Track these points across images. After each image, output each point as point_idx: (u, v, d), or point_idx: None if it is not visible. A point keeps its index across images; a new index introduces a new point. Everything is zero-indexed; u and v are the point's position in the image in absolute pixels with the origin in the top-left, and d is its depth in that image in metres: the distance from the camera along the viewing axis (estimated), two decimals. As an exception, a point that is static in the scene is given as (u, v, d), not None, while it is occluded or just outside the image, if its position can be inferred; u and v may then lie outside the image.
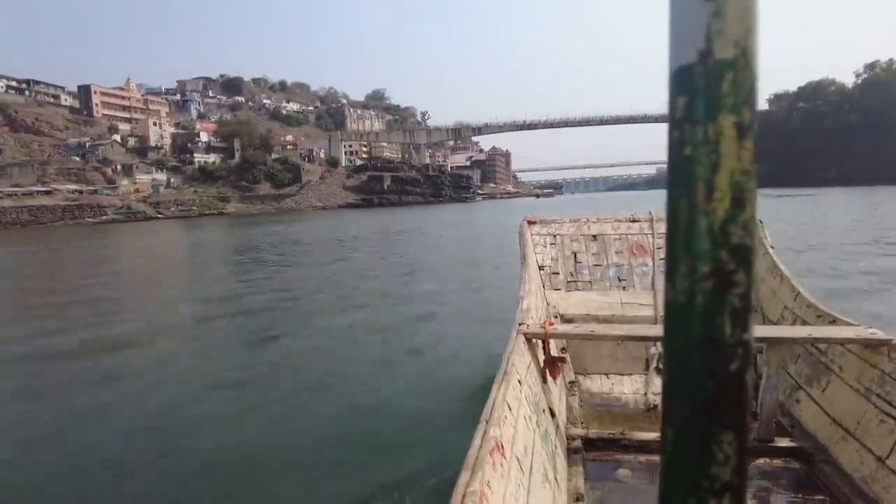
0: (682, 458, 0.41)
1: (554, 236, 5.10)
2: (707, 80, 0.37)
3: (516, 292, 3.87)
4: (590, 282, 4.86)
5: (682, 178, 0.39)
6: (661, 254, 5.18)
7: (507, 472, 1.68)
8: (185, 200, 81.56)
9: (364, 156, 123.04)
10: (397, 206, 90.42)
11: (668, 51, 0.39)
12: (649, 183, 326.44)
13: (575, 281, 4.89)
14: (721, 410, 0.39)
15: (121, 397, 5.59)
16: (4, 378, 6.47)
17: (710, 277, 0.39)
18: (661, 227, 4.62)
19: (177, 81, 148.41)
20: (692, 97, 0.38)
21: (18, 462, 4.35)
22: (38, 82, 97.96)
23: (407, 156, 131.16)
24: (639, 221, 5.04)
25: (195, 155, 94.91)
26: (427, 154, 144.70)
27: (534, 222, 5.19)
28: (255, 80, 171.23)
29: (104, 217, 68.70)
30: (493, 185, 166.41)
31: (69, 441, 4.64)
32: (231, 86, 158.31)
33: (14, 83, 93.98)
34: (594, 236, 5.05)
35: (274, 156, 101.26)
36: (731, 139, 0.37)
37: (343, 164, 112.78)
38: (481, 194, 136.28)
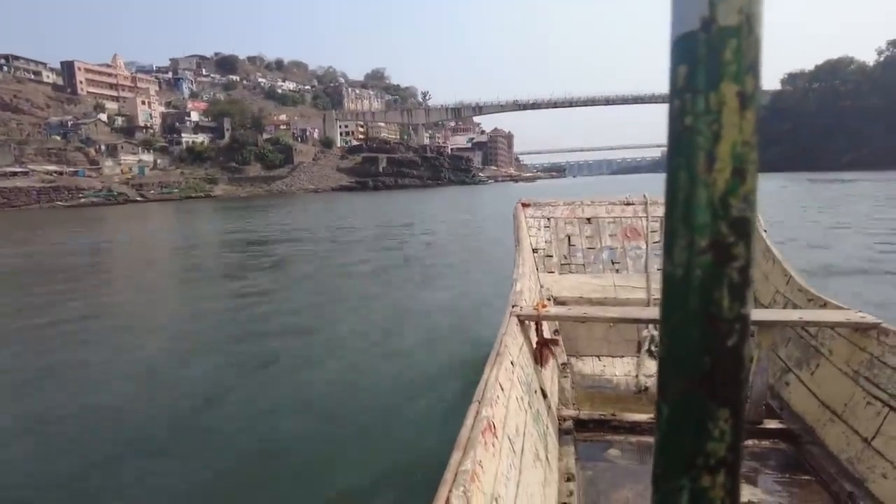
0: (677, 435, 0.40)
1: (548, 219, 5.11)
2: (709, 47, 0.36)
3: (510, 275, 3.90)
4: (583, 264, 4.89)
5: (683, 148, 0.38)
6: (655, 237, 4.83)
7: (498, 452, 1.70)
8: (171, 182, 77.59)
9: (361, 136, 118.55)
10: (393, 188, 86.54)
11: (670, 18, 0.38)
12: (654, 166, 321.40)
13: (568, 264, 4.92)
14: (717, 386, 0.39)
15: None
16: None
17: (708, 251, 0.38)
18: (656, 211, 4.91)
19: (170, 59, 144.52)
20: (694, 66, 0.37)
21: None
22: (17, 57, 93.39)
23: (406, 137, 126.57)
24: (633, 205, 5.04)
25: (183, 135, 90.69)
26: (426, 135, 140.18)
27: (528, 205, 5.19)
28: (251, 59, 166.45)
29: (82, 199, 64.84)
30: (494, 167, 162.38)
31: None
32: (225, 64, 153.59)
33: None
34: (588, 219, 5.08)
35: (265, 136, 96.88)
36: (734, 109, 0.36)
37: (338, 145, 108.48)
38: (482, 177, 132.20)
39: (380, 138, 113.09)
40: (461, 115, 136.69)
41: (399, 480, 3.37)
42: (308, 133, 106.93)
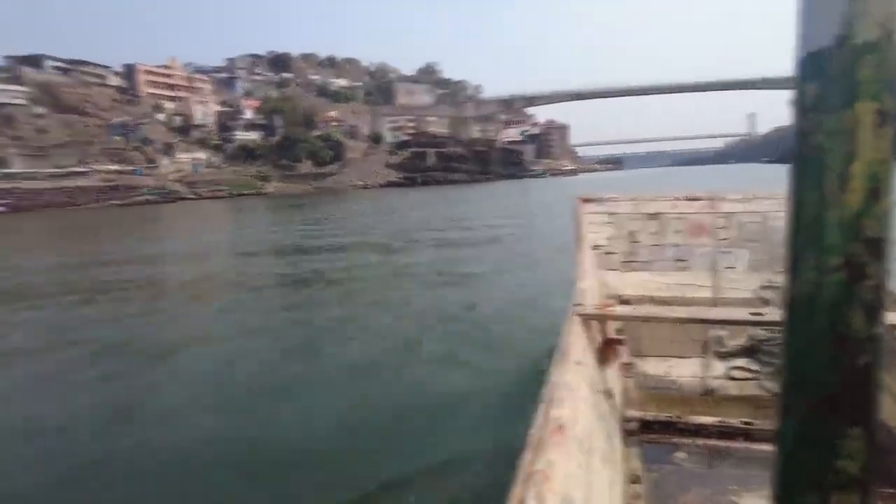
0: (803, 452, 0.38)
1: (610, 215, 4.97)
2: (844, 65, 0.34)
3: (572, 273, 3.91)
4: (647, 262, 4.78)
5: (810, 169, 0.36)
6: (722, 234, 4.59)
7: (568, 453, 1.71)
8: (223, 180, 78.53)
9: (410, 132, 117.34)
10: (442, 184, 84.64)
11: (797, 36, 0.35)
12: (717, 157, 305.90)
13: (632, 261, 4.81)
14: (847, 405, 0.36)
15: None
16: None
17: (840, 270, 0.36)
18: (722, 207, 4.72)
19: (226, 59, 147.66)
20: (825, 84, 0.34)
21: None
22: (85, 62, 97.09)
23: (457, 131, 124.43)
24: (699, 200, 4.88)
25: (235, 133, 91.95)
26: (477, 129, 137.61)
27: (589, 200, 5.06)
28: (304, 56, 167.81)
29: (137, 198, 66.24)
30: (548, 160, 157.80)
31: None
32: (279, 62, 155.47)
33: (61, 64, 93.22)
34: (652, 215, 4.90)
35: (316, 132, 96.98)
36: (869, 127, 0.34)
37: (387, 141, 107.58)
38: (535, 170, 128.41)
39: (428, 133, 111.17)
40: (512, 106, 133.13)
41: (465, 477, 3.43)
42: (357, 129, 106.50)
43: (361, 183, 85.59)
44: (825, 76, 0.35)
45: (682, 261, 4.68)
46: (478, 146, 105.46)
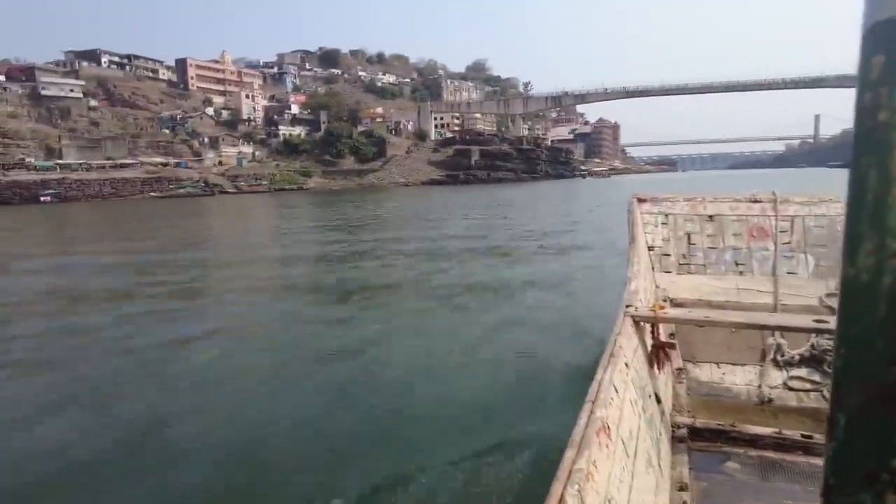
0: (856, 448, 0.37)
1: (666, 215, 4.87)
2: None
3: (624, 273, 3.81)
4: (703, 265, 4.68)
5: (874, 145, 0.34)
6: (784, 238, 4.51)
7: (612, 454, 1.68)
8: (264, 174, 78.22)
9: (456, 129, 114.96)
10: (486, 182, 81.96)
11: (864, 5, 0.34)
12: (776, 161, 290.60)
13: (687, 264, 4.71)
14: None
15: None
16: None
17: None
18: (786, 210, 4.57)
19: (276, 55, 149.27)
20: (892, 56, 0.33)
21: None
22: (138, 57, 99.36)
23: (504, 129, 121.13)
24: (760, 202, 4.75)
25: (280, 127, 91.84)
26: (525, 127, 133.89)
27: (644, 200, 4.97)
28: (353, 52, 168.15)
29: (180, 191, 66.46)
30: (598, 160, 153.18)
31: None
32: (328, 58, 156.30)
33: (116, 59, 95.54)
34: (710, 217, 4.80)
35: (360, 129, 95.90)
36: None
37: (432, 138, 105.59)
38: (584, 170, 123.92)
39: (473, 130, 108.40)
40: (562, 103, 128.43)
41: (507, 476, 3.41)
42: (402, 126, 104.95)
43: (403, 180, 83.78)
44: (893, 47, 0.33)
45: (741, 265, 4.56)
46: (524, 144, 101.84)
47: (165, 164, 74.45)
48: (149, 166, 72.11)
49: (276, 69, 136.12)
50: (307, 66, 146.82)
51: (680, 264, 4.67)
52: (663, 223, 4.79)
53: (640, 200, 4.91)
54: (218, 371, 5.89)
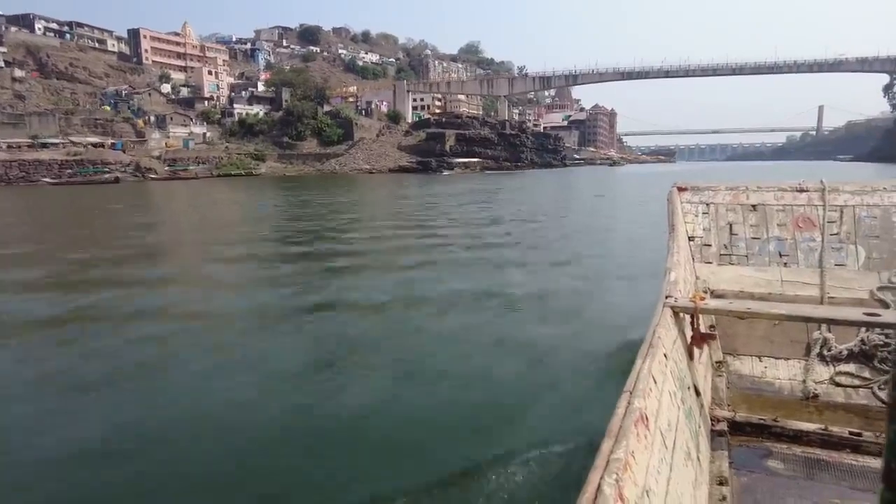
0: None
1: (707, 205, 4.76)
2: None
3: (663, 263, 3.79)
4: (746, 256, 4.58)
5: None
6: (832, 228, 4.28)
7: (650, 445, 1.68)
8: (210, 158, 69.15)
9: (437, 111, 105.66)
10: (464, 170, 73.13)
11: None
12: (777, 153, 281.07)
13: (729, 254, 4.62)
14: None
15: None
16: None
17: None
18: (835, 199, 4.44)
19: (254, 31, 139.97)
20: None
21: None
22: (81, 25, 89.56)
23: (493, 113, 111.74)
24: (807, 192, 4.60)
25: (235, 106, 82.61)
26: (516, 112, 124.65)
27: (684, 189, 4.88)
28: (336, 30, 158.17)
29: (106, 175, 57.45)
30: (592, 148, 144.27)
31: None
32: (308, 35, 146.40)
33: (55, 25, 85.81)
34: (753, 206, 4.65)
35: (326, 109, 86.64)
36: None
37: (409, 120, 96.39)
38: (576, 158, 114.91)
39: (452, 113, 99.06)
40: (551, 84, 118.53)
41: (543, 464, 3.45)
42: (375, 106, 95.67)
43: (367, 167, 74.82)
44: None
45: (785, 256, 4.47)
46: (507, 129, 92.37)
47: (99, 145, 65.39)
48: (77, 147, 63.07)
49: (249, 45, 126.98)
50: (284, 42, 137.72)
51: (721, 255, 4.56)
52: (704, 213, 4.68)
53: (681, 189, 4.80)
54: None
